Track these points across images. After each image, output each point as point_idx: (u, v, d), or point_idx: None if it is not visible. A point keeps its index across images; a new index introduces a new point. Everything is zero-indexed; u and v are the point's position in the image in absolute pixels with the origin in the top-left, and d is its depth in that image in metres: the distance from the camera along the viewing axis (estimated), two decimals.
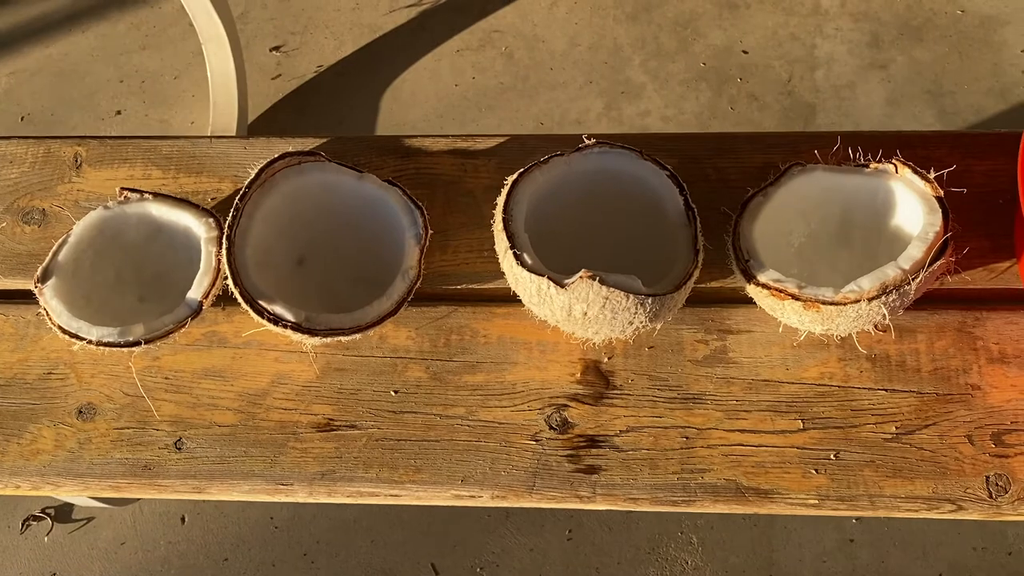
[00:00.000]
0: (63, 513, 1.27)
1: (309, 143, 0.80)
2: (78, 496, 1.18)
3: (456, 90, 1.55)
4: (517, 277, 0.64)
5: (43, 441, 0.71)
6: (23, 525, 1.27)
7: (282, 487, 0.69)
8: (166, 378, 0.73)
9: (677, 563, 1.19)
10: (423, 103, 1.54)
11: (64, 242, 0.72)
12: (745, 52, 1.55)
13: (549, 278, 0.62)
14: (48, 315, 0.69)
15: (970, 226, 0.72)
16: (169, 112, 1.58)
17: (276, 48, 1.62)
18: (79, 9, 1.69)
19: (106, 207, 0.74)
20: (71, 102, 1.60)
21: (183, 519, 1.25)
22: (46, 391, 0.73)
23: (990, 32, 1.53)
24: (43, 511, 1.27)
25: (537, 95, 1.53)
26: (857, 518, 1.19)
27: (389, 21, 1.62)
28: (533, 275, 0.62)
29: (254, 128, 1.55)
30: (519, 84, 1.54)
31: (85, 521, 1.26)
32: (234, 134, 1.50)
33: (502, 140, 0.80)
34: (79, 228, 0.73)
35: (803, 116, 1.50)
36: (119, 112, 1.59)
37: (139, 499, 1.25)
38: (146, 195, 0.74)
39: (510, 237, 0.64)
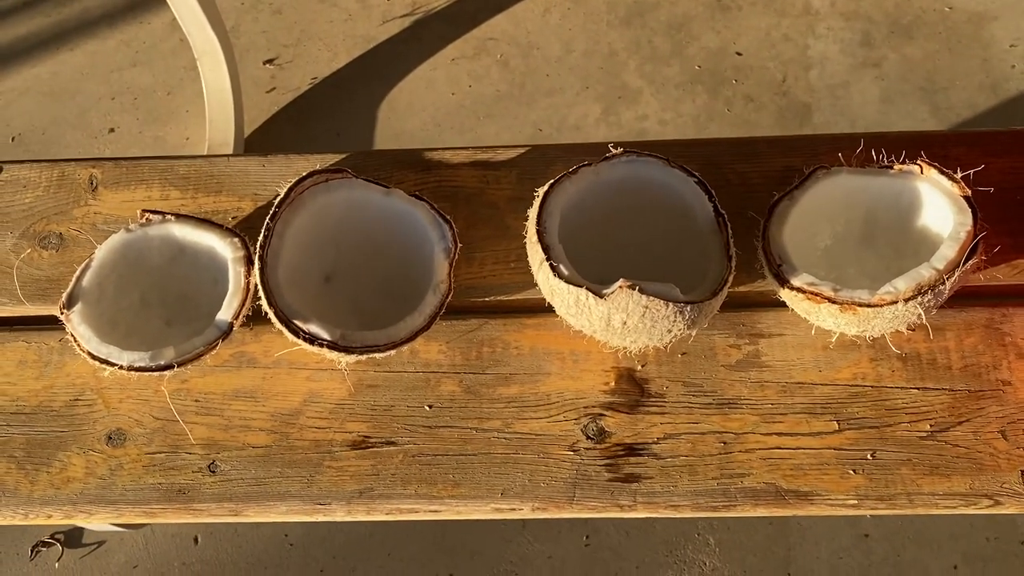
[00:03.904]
0: (73, 538, 1.25)
1: (329, 159, 0.80)
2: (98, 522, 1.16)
3: (453, 99, 1.55)
4: (554, 289, 0.64)
5: (73, 469, 0.70)
6: (32, 552, 1.25)
7: (320, 507, 0.68)
8: (196, 400, 0.72)
9: (695, 565, 1.20)
10: (420, 112, 1.54)
11: (87, 267, 0.72)
12: (739, 54, 1.56)
13: (588, 289, 0.62)
14: (76, 341, 0.68)
15: (990, 223, 0.73)
16: (164, 129, 1.56)
17: (270, 61, 1.61)
18: (66, 27, 1.67)
19: (128, 230, 0.73)
20: (63, 121, 1.58)
21: (196, 539, 1.24)
22: (73, 418, 0.72)
23: (978, 28, 1.55)
24: (53, 536, 1.25)
25: (534, 102, 1.53)
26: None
27: (383, 32, 1.62)
28: (571, 286, 0.62)
29: (251, 142, 1.54)
30: (516, 91, 1.54)
31: (96, 545, 1.25)
32: (231, 149, 1.49)
33: (523, 151, 0.80)
34: (101, 252, 0.72)
35: (799, 116, 1.51)
36: (112, 130, 1.57)
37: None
38: (168, 216, 0.74)
39: (545, 249, 0.64)
